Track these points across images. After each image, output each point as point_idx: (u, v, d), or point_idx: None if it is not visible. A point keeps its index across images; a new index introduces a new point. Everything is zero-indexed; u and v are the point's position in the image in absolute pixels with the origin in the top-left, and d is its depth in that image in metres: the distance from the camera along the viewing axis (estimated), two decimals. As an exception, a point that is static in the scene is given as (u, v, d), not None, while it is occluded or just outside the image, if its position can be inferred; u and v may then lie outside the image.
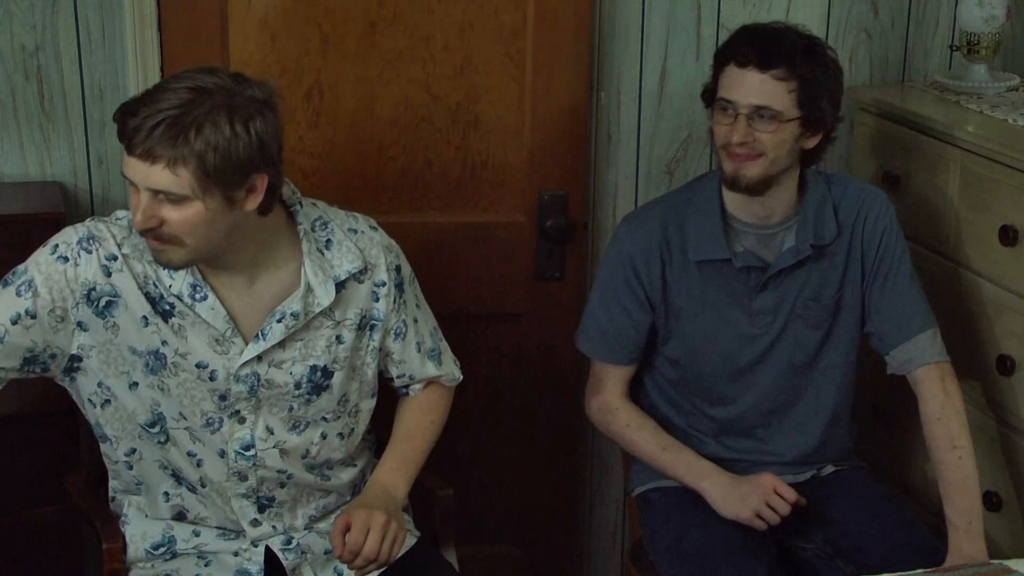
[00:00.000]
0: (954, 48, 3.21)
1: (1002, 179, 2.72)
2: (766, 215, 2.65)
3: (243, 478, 2.40)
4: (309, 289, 2.34)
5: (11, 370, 2.28)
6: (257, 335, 2.32)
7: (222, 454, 2.38)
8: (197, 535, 2.45)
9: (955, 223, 2.88)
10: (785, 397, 2.73)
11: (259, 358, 2.33)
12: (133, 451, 2.41)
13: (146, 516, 2.47)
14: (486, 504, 3.24)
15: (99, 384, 2.35)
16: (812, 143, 2.62)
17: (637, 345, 2.74)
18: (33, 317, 2.25)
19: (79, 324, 2.29)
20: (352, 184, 3.03)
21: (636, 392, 2.82)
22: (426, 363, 2.55)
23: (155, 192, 2.16)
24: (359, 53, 2.96)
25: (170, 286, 2.29)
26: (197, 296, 2.30)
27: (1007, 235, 2.69)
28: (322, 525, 2.51)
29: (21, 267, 2.29)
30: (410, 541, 2.53)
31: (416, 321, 2.52)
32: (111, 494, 2.52)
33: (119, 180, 2.99)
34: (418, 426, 2.56)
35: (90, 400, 2.38)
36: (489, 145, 3.06)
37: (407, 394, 2.59)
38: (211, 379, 2.33)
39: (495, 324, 3.17)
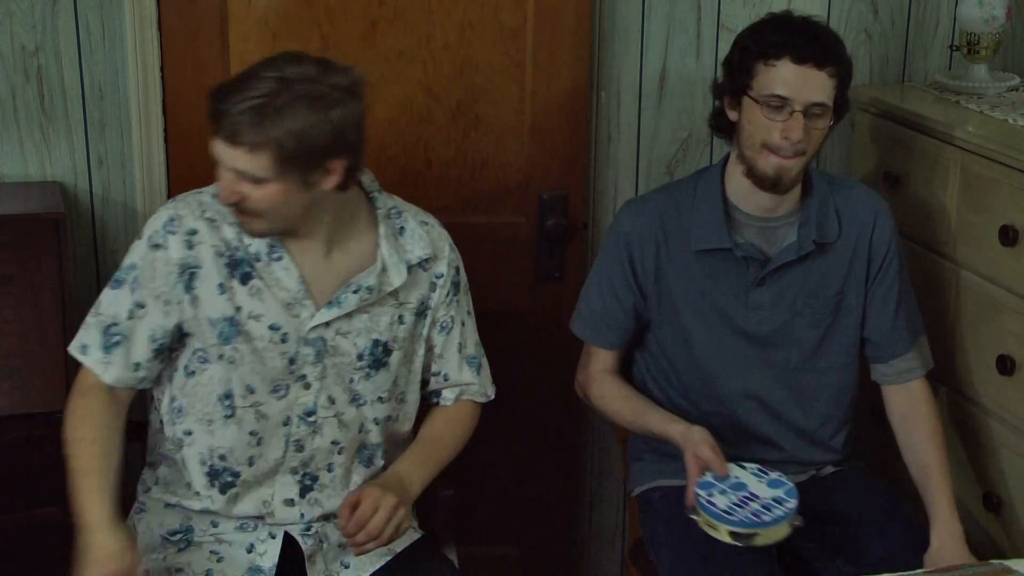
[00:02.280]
0: (954, 48, 3.21)
1: (1002, 179, 2.72)
2: (772, 207, 2.65)
3: (300, 448, 2.47)
4: (384, 268, 2.45)
5: (149, 363, 2.42)
6: (331, 301, 2.43)
7: (286, 421, 2.45)
8: (215, 526, 2.48)
9: (955, 223, 2.88)
10: (781, 396, 2.73)
11: (327, 325, 2.43)
12: (190, 432, 2.47)
13: (166, 506, 2.50)
14: (486, 504, 3.24)
15: (195, 351, 2.44)
16: (829, 128, 2.63)
17: (625, 329, 2.75)
18: (143, 307, 2.40)
19: (179, 303, 2.41)
20: (352, 184, 3.03)
21: (638, 389, 2.82)
22: (464, 367, 2.62)
23: (237, 172, 2.28)
24: (359, 53, 2.96)
25: (249, 245, 2.40)
26: (273, 256, 2.41)
27: (1007, 235, 2.69)
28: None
29: (126, 263, 2.43)
30: (413, 536, 2.56)
31: (464, 325, 2.61)
32: (143, 488, 2.57)
33: (119, 180, 3.00)
34: (443, 434, 2.62)
35: (185, 367, 2.46)
36: (489, 145, 3.06)
37: (437, 403, 2.64)
38: (283, 341, 2.42)
39: (495, 324, 3.16)
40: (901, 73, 3.29)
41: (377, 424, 2.53)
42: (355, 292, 2.43)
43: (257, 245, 2.40)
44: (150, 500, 2.54)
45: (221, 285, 2.39)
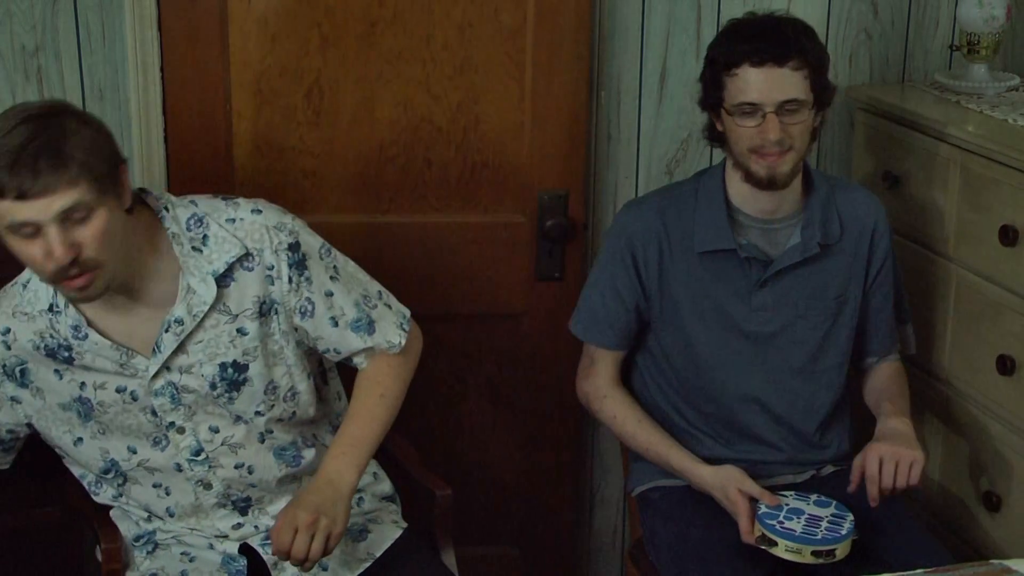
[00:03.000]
0: (954, 48, 3.21)
1: (1002, 179, 2.72)
2: (774, 208, 2.65)
3: (207, 486, 2.42)
4: (190, 291, 2.31)
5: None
6: (154, 349, 2.32)
7: (179, 468, 2.41)
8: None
9: (955, 223, 2.88)
10: (780, 398, 2.72)
11: (168, 368, 2.33)
12: (121, 495, 2.49)
13: (131, 518, 2.51)
14: (486, 504, 3.24)
15: (65, 432, 2.42)
16: (817, 121, 2.63)
17: (629, 329, 2.75)
18: None
19: (12, 399, 2.40)
20: (352, 184, 3.03)
21: (638, 390, 2.82)
22: (347, 335, 2.43)
23: (62, 220, 2.12)
24: (359, 53, 2.96)
25: (57, 330, 2.32)
26: (80, 335, 2.31)
27: (1007, 235, 2.69)
28: None
29: None
30: (395, 533, 2.54)
31: (331, 295, 2.41)
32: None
33: (119, 180, 3.00)
34: (365, 404, 2.45)
35: (68, 456, 2.47)
36: (489, 145, 3.06)
37: (357, 368, 2.51)
38: (134, 399, 2.35)
39: (495, 324, 3.17)
40: (901, 73, 3.29)
41: (273, 432, 2.43)
42: (167, 331, 2.30)
43: (64, 329, 2.30)
44: (117, 511, 2.52)
45: (57, 371, 2.35)
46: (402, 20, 2.96)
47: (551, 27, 3.00)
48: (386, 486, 2.64)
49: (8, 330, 2.35)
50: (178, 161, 2.98)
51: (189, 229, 2.32)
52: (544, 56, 3.02)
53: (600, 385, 2.78)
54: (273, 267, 2.35)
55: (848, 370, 2.81)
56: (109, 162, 2.17)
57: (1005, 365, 2.74)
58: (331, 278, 2.43)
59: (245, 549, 2.46)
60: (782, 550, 2.51)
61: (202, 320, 2.32)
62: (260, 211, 2.38)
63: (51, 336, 2.32)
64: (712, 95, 2.61)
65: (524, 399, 3.23)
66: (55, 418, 2.39)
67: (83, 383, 2.35)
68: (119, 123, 2.96)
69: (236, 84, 2.96)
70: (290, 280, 2.37)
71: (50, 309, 2.31)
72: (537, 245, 3.12)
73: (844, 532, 2.54)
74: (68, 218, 2.12)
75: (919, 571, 2.32)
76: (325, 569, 2.45)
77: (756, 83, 2.53)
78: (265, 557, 2.43)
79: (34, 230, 2.12)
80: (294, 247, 2.37)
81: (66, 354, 2.33)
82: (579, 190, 3.12)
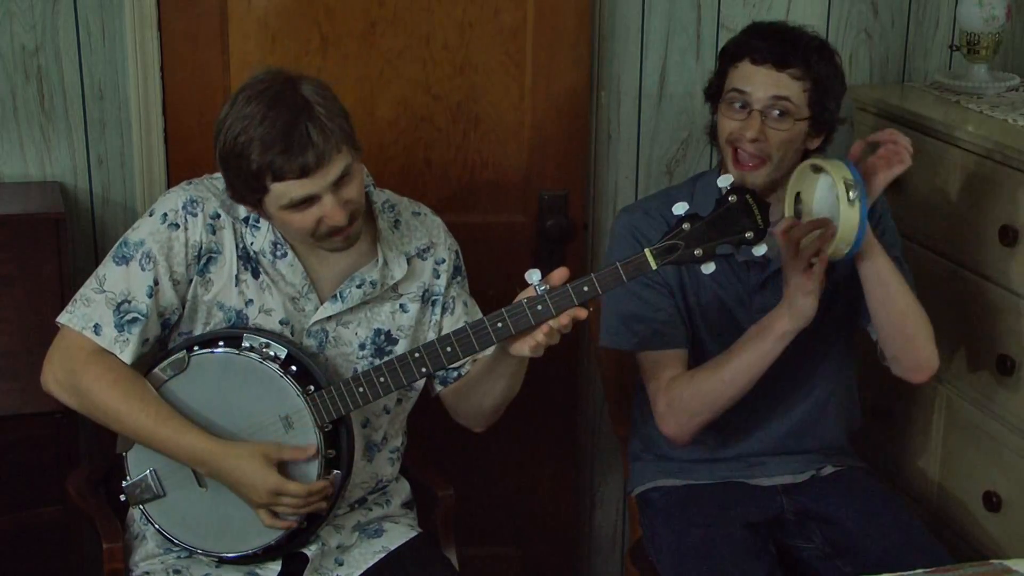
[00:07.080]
0: (954, 48, 3.21)
1: (1002, 179, 2.72)
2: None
3: None
4: (385, 262, 2.46)
5: (156, 337, 2.41)
6: (335, 296, 2.44)
7: None
8: (217, 566, 2.46)
9: (955, 223, 2.88)
10: (774, 397, 2.71)
11: (328, 317, 2.44)
12: None
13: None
14: (486, 504, 3.24)
15: (180, 334, 2.44)
16: (815, 144, 2.63)
17: (680, 321, 2.66)
18: (158, 284, 2.37)
19: (189, 282, 2.41)
20: (352, 184, 3.04)
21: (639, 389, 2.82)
22: None
23: (335, 185, 2.27)
24: (359, 53, 2.96)
25: (252, 243, 2.41)
26: (278, 253, 2.41)
27: (1007, 235, 2.69)
28: (339, 520, 2.53)
29: (133, 239, 2.39)
30: (410, 534, 2.56)
31: (466, 305, 2.58)
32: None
33: (119, 180, 3.00)
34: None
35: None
36: (489, 145, 3.07)
37: (458, 376, 2.54)
38: (290, 335, 2.44)
39: (495, 324, 3.17)
40: (901, 73, 3.29)
41: (387, 412, 2.53)
42: (359, 287, 2.44)
43: (261, 243, 2.41)
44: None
45: (237, 276, 2.41)
46: (402, 20, 2.96)
47: (551, 27, 3.00)
48: (407, 491, 2.67)
49: (218, 216, 2.41)
50: (178, 161, 2.99)
51: (384, 211, 2.52)
52: (544, 56, 3.02)
53: (662, 385, 2.62)
54: (444, 262, 2.55)
55: (850, 390, 2.80)
56: (345, 117, 2.31)
57: (1005, 365, 2.74)
58: (468, 294, 2.60)
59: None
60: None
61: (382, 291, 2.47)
62: (437, 215, 2.60)
63: (242, 245, 2.41)
64: (715, 84, 2.63)
65: (524, 399, 3.22)
66: (204, 312, 2.42)
67: (251, 300, 2.41)
68: (119, 123, 2.97)
69: (236, 84, 2.95)
70: (451, 278, 2.56)
71: (246, 221, 2.41)
72: (537, 245, 3.12)
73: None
74: (338, 182, 2.28)
75: (919, 571, 2.32)
76: (341, 564, 2.48)
77: (751, 76, 2.55)
78: (309, 553, 2.44)
79: (310, 202, 2.28)
80: (458, 253, 2.60)
81: (255, 265, 2.41)
82: (579, 190, 3.12)
